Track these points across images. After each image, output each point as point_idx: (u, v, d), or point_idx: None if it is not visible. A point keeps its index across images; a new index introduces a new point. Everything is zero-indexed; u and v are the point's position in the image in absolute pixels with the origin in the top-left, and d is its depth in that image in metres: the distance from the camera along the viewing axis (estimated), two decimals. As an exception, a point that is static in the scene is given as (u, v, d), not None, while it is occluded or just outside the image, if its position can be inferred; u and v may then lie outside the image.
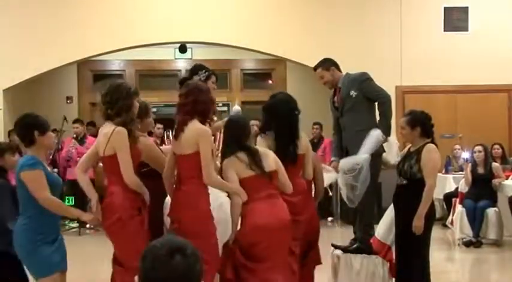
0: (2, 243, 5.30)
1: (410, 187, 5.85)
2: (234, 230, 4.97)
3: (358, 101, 6.23)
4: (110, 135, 4.70)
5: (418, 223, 5.71)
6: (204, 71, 5.73)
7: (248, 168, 4.98)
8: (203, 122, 4.95)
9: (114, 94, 4.80)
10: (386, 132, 6.12)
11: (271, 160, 5.11)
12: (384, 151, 6.19)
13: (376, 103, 6.34)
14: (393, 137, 6.25)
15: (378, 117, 6.38)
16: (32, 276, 4.97)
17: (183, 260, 2.31)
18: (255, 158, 5.03)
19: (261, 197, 5.00)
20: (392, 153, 6.14)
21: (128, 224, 4.74)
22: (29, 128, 4.86)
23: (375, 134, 6.01)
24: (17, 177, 4.80)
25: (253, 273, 4.95)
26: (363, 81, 6.29)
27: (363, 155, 5.98)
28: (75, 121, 12.73)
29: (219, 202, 5.16)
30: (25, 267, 5.06)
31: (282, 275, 5.01)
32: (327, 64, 6.43)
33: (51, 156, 12.08)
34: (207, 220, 4.87)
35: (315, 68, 6.51)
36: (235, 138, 5.08)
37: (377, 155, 6.09)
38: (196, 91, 4.99)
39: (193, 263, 2.33)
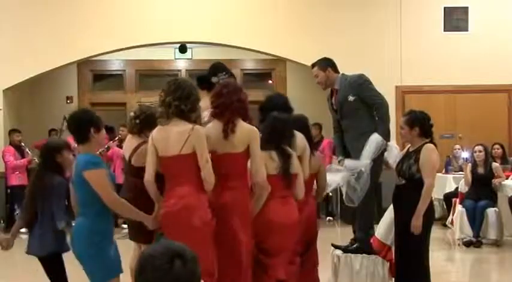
0: (57, 244, 5.16)
1: (409, 187, 5.84)
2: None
3: (357, 106, 6.17)
4: (189, 133, 4.64)
5: (416, 223, 5.70)
6: (224, 72, 5.67)
7: (275, 167, 5.14)
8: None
9: (185, 89, 4.73)
10: (386, 137, 6.09)
11: (297, 163, 5.30)
12: (386, 150, 6.16)
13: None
14: (393, 141, 6.21)
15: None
16: (92, 279, 4.69)
17: (184, 266, 2.26)
18: (285, 160, 5.19)
19: (277, 196, 5.16)
20: (392, 157, 6.10)
21: (210, 224, 4.74)
22: (85, 124, 4.69)
23: (375, 140, 5.99)
24: (78, 176, 4.62)
25: (263, 267, 5.13)
26: (360, 84, 6.21)
27: (364, 161, 5.99)
28: None
29: None
30: (85, 270, 4.74)
31: (286, 271, 5.19)
32: (324, 64, 6.37)
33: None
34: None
35: (313, 66, 6.45)
36: (277, 137, 5.24)
37: (379, 155, 6.08)
38: (238, 90, 5.06)
39: (194, 267, 2.29)
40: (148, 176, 4.79)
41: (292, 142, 5.48)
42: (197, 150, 4.66)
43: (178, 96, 4.69)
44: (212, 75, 5.76)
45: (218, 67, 5.99)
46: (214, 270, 4.75)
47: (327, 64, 6.36)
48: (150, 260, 2.27)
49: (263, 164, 5.00)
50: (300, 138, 5.59)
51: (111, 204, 4.59)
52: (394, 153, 6.11)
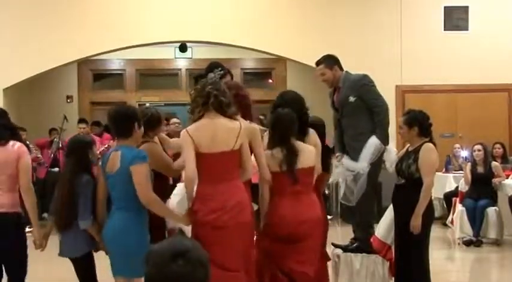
0: (90, 244, 5.10)
1: (409, 186, 5.85)
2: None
3: (357, 106, 6.10)
4: (240, 129, 4.65)
5: (415, 222, 5.72)
6: (219, 69, 5.61)
7: (278, 165, 5.08)
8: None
9: (223, 85, 4.75)
10: (384, 141, 6.04)
11: (307, 157, 5.24)
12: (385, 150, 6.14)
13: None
14: (391, 144, 6.18)
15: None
16: (132, 272, 4.63)
17: (185, 266, 2.22)
18: (289, 157, 5.13)
19: (285, 193, 5.13)
20: (390, 161, 6.07)
21: (253, 221, 4.80)
22: (130, 119, 4.75)
23: (374, 143, 5.96)
24: (125, 169, 4.61)
25: (279, 260, 5.13)
26: (362, 86, 6.13)
27: (362, 164, 5.97)
28: (81, 121, 12.70)
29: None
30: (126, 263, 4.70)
31: (309, 267, 5.22)
32: (331, 62, 6.25)
33: (52, 155, 12.14)
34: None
35: (318, 63, 6.30)
36: (279, 134, 5.19)
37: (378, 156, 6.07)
38: (239, 89, 5.09)
39: (195, 269, 2.24)
40: (192, 172, 4.63)
41: (303, 138, 5.44)
42: (253, 143, 4.76)
43: (218, 88, 4.68)
44: (209, 73, 5.73)
45: (213, 64, 6.00)
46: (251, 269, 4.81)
47: (333, 62, 6.25)
48: (153, 255, 2.27)
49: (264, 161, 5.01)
50: (312, 135, 5.56)
51: (147, 200, 4.60)
52: (391, 157, 6.07)
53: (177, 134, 6.00)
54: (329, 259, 5.94)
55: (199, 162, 4.63)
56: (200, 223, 4.67)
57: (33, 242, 5.23)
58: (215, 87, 4.68)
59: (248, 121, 5.06)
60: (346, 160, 6.11)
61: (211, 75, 5.10)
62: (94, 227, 5.01)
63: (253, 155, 4.92)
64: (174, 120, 9.33)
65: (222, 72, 5.50)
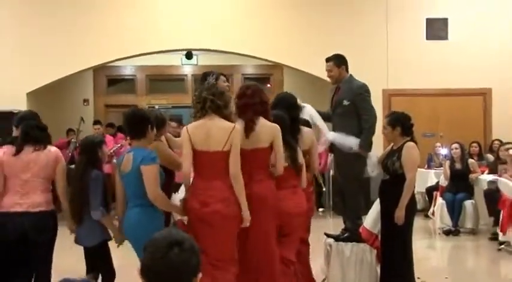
0: (105, 233, 5.14)
1: (393, 182, 5.86)
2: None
3: (349, 110, 6.10)
4: (231, 131, 4.61)
5: (399, 214, 5.72)
6: (212, 74, 5.66)
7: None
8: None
9: (219, 88, 4.72)
10: (367, 148, 6.04)
11: (301, 156, 5.27)
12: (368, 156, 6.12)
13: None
14: (373, 151, 6.14)
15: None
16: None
17: (179, 254, 2.21)
18: (291, 153, 5.15)
19: (287, 186, 5.15)
20: (371, 166, 6.06)
21: (240, 217, 4.72)
22: (144, 122, 4.74)
23: (351, 142, 5.97)
24: (136, 169, 4.60)
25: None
26: (358, 94, 6.11)
27: (330, 136, 6.02)
28: (96, 122, 12.72)
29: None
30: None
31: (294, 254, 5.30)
32: (340, 61, 6.23)
33: (69, 154, 12.14)
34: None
35: (328, 60, 6.28)
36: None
37: (363, 157, 6.07)
38: (260, 92, 5.04)
39: (189, 257, 2.24)
40: (186, 168, 4.70)
41: (297, 137, 5.45)
42: (233, 148, 4.61)
43: (213, 92, 4.67)
44: (203, 80, 5.69)
45: (206, 72, 5.96)
46: (236, 259, 4.75)
47: (342, 62, 6.23)
48: (150, 244, 2.26)
49: (283, 158, 5.00)
50: (307, 133, 5.59)
51: (154, 196, 4.57)
52: (372, 162, 6.06)
53: (175, 135, 5.99)
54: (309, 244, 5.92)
55: (194, 158, 4.67)
56: (189, 214, 4.71)
57: (69, 229, 5.23)
58: (211, 92, 4.68)
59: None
60: (336, 136, 6.05)
61: (205, 82, 5.10)
62: (106, 217, 5.02)
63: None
64: (172, 124, 9.42)
65: (214, 76, 5.48)
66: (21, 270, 5.05)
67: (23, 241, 4.96)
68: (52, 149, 5.11)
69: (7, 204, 4.98)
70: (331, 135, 6.06)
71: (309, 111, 6.09)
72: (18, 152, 4.98)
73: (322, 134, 6.12)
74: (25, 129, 5.04)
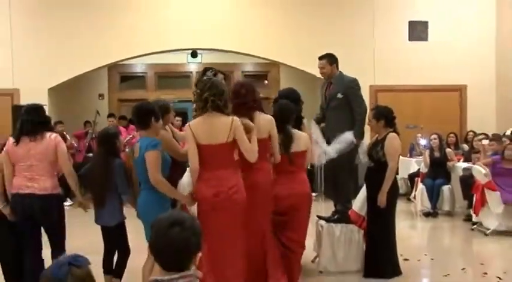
0: (123, 215, 5.22)
1: (377, 168, 5.92)
2: None
3: (342, 103, 6.12)
4: (232, 124, 4.52)
5: (381, 198, 5.80)
6: (210, 70, 5.27)
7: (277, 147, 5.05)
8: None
9: (219, 87, 4.62)
10: (359, 137, 6.06)
11: (301, 142, 5.30)
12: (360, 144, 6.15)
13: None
14: (364, 139, 6.18)
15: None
16: None
17: (180, 233, 2.20)
18: (285, 141, 5.19)
19: (282, 171, 5.16)
20: (362, 153, 6.08)
21: (245, 202, 4.65)
22: (148, 114, 4.72)
23: (345, 139, 5.95)
24: (142, 156, 4.59)
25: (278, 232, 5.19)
26: (350, 88, 6.14)
27: (330, 150, 5.96)
28: (110, 115, 12.72)
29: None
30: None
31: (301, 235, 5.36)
32: (332, 60, 6.25)
33: (87, 143, 12.39)
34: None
35: (321, 58, 6.28)
36: (280, 121, 5.16)
37: (353, 148, 6.08)
38: (253, 91, 4.98)
39: (190, 236, 2.21)
40: (194, 164, 4.58)
41: (300, 127, 5.47)
42: (238, 137, 4.54)
43: (214, 93, 4.58)
44: (203, 75, 5.36)
45: (205, 68, 5.85)
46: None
47: (333, 60, 6.26)
48: (155, 223, 2.27)
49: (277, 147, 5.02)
50: (304, 136, 5.45)
51: (154, 181, 4.55)
52: (363, 150, 6.11)
53: (178, 128, 5.82)
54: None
55: (200, 152, 4.58)
56: (202, 204, 4.61)
57: (81, 207, 5.34)
58: (212, 92, 4.58)
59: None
60: (335, 146, 6.02)
61: (204, 77, 4.97)
62: (131, 198, 5.13)
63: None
64: (177, 118, 9.59)
65: (212, 72, 5.21)
66: (31, 243, 5.14)
67: (32, 221, 5.06)
68: (52, 135, 5.14)
69: (16, 186, 5.08)
70: (331, 149, 5.97)
71: (313, 130, 6.11)
72: (17, 142, 5.10)
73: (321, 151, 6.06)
74: (19, 124, 5.17)
